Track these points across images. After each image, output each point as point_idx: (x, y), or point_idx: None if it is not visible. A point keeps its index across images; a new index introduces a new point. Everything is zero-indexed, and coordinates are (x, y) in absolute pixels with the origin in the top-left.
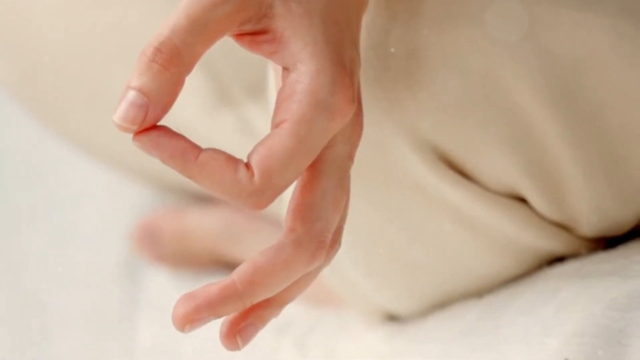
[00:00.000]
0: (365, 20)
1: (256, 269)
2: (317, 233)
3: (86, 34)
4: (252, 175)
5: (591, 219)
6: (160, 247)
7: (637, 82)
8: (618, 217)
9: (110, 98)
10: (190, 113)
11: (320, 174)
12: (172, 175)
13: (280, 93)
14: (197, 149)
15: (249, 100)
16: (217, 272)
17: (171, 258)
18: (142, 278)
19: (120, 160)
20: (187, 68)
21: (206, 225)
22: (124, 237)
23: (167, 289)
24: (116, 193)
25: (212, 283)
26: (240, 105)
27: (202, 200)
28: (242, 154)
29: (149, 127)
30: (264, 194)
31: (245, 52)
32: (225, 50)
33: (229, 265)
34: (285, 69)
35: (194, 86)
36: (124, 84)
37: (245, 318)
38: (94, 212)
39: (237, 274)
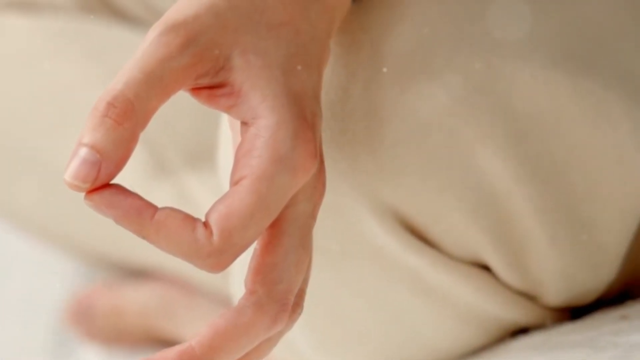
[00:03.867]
0: (324, 78)
1: (216, 333)
2: (279, 295)
3: (14, 97)
4: (211, 234)
5: (557, 287)
6: (94, 323)
7: (602, 142)
8: (585, 285)
9: (42, 164)
10: (125, 183)
11: (281, 233)
12: (106, 248)
13: (239, 149)
14: (153, 207)
15: (188, 170)
16: (152, 349)
17: (104, 334)
18: (74, 354)
19: (51, 232)
20: (141, 123)
21: (141, 301)
22: (55, 312)
23: None
24: (47, 266)
25: (170, 348)
26: (179, 176)
27: (137, 275)
28: None
29: (102, 185)
30: (223, 254)
31: (183, 121)
32: (163, 118)
33: (165, 343)
34: (244, 124)
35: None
36: (55, 149)
37: None
38: (23, 285)
39: (195, 339)
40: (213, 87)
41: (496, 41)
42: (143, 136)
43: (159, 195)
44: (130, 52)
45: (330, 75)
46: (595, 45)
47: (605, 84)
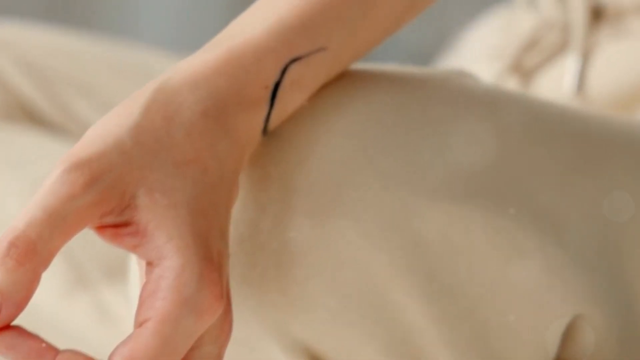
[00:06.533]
0: (233, 212)
1: None
2: None
3: None
4: None
5: None
6: None
7: (514, 279)
8: None
9: None
10: (44, 297)
11: None
12: None
13: (143, 289)
14: (54, 350)
15: (107, 285)
16: None
17: None
18: None
19: None
20: (43, 263)
21: None
22: None
23: None
24: None
25: None
26: (98, 290)
27: None
28: (98, 341)
29: (3, 326)
30: None
31: None
32: (82, 232)
33: None
34: (149, 264)
35: (49, 269)
36: None
37: None
38: None
39: None
40: (118, 226)
41: (409, 176)
42: (63, 249)
43: (78, 308)
44: (51, 160)
45: (240, 210)
46: (509, 180)
47: (518, 221)
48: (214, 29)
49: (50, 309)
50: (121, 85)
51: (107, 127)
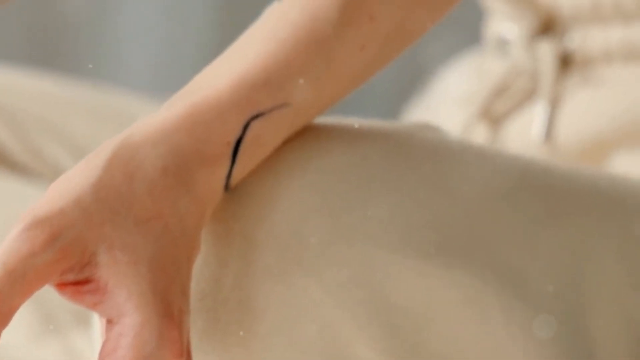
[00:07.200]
0: (195, 268)
1: None
2: None
3: None
4: None
5: None
6: None
7: (476, 334)
8: None
9: None
10: (13, 341)
11: None
12: None
13: (103, 347)
14: None
15: (76, 327)
16: None
17: None
18: None
19: None
20: (3, 321)
21: None
22: None
23: None
24: None
25: None
26: (68, 335)
27: None
28: None
29: None
30: None
31: None
32: None
33: None
34: (109, 321)
35: (18, 313)
36: None
37: None
38: None
39: None
40: (78, 283)
41: (372, 232)
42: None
43: (48, 353)
44: (23, 205)
45: (201, 265)
46: (470, 235)
47: (479, 276)
48: (195, 73)
49: (20, 353)
50: (97, 129)
51: (68, 183)
